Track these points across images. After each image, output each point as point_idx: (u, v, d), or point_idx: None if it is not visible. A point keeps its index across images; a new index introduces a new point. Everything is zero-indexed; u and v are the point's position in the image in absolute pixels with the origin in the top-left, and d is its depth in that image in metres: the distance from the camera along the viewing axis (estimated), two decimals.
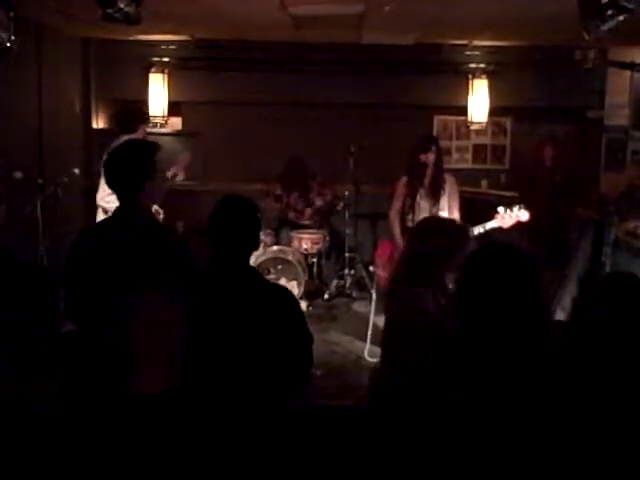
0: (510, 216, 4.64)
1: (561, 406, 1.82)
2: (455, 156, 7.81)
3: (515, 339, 1.90)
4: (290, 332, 2.49)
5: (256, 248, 2.62)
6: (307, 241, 6.59)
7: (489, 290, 1.96)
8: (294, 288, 6.16)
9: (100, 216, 4.92)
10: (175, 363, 1.87)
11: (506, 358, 1.89)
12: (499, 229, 4.71)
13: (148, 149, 2.91)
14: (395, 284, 2.95)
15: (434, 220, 3.55)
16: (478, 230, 4.72)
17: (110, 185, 2.81)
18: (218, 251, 2.51)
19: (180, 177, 5.43)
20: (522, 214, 4.65)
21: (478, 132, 7.74)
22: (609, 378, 1.85)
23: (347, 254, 6.80)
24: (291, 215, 6.89)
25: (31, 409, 1.75)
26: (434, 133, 7.60)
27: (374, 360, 4.72)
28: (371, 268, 5.52)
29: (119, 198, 2.79)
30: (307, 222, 6.85)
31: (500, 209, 4.66)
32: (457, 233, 3.00)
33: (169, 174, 5.30)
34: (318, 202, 6.85)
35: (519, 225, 4.71)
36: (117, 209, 2.81)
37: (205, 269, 2.57)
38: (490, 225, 4.67)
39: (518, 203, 4.74)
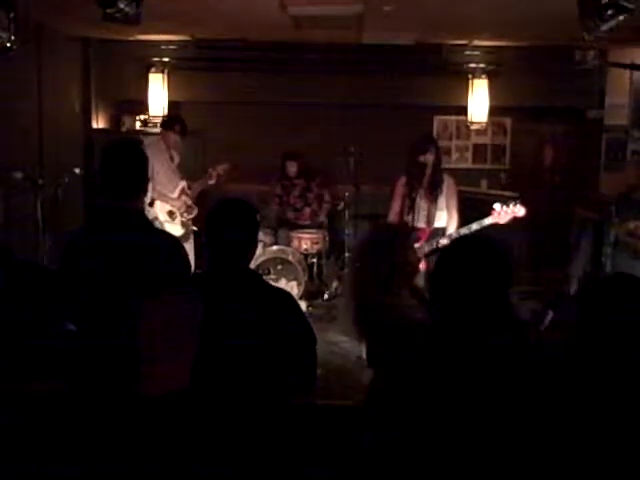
0: (506, 212, 4.65)
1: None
2: (455, 156, 7.81)
3: (478, 332, 1.92)
4: (292, 334, 2.48)
5: (254, 250, 2.61)
6: (307, 241, 6.59)
7: (458, 282, 1.97)
8: (294, 288, 6.16)
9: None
10: (184, 364, 1.87)
11: (471, 351, 1.91)
12: (496, 225, 4.72)
13: (142, 150, 2.88)
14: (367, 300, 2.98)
15: (367, 237, 3.38)
16: (475, 227, 4.73)
17: (106, 187, 2.74)
18: (216, 254, 2.49)
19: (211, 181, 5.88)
20: (518, 209, 4.67)
21: (478, 132, 7.74)
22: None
23: (347, 254, 6.80)
24: (290, 215, 6.90)
25: (32, 409, 1.75)
26: (434, 133, 7.61)
27: None
28: None
29: (113, 199, 2.73)
30: (306, 222, 6.86)
31: (496, 205, 4.68)
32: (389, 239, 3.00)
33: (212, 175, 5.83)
34: (323, 212, 6.94)
35: (515, 220, 4.72)
36: (108, 210, 2.76)
37: (203, 272, 2.55)
38: (487, 221, 4.68)
39: (513, 200, 4.76)
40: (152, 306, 1.87)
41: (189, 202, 5.79)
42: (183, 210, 5.73)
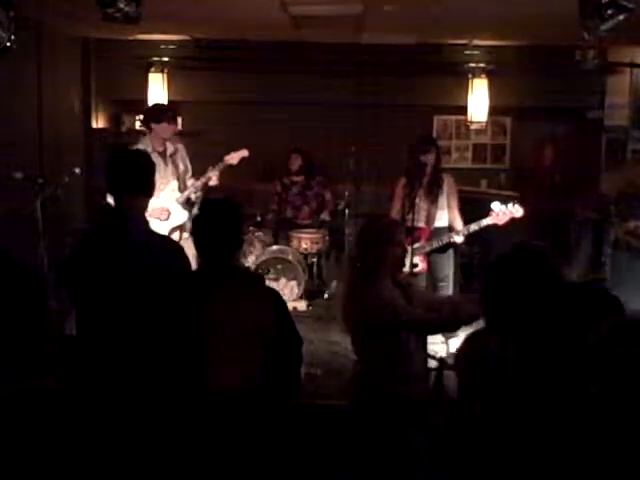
0: (504, 213, 4.69)
1: None
2: (455, 156, 7.81)
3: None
4: (277, 333, 2.48)
5: (241, 247, 2.64)
6: (307, 241, 6.59)
7: (510, 292, 2.11)
8: (294, 288, 6.16)
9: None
10: (252, 362, 1.89)
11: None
12: (495, 225, 4.74)
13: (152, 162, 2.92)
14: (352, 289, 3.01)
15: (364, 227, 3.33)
16: (473, 228, 4.76)
17: (113, 189, 2.76)
18: (202, 252, 2.53)
19: (213, 182, 5.25)
20: (516, 210, 4.70)
21: (478, 132, 7.74)
22: None
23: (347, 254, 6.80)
24: (289, 213, 6.90)
25: (30, 408, 1.76)
26: (434, 133, 7.62)
27: None
28: None
29: (116, 202, 2.76)
30: (306, 222, 6.86)
31: (494, 206, 4.70)
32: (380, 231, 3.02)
33: (204, 178, 5.21)
34: (324, 216, 6.90)
35: (513, 221, 4.74)
36: (111, 215, 2.79)
37: (192, 271, 2.62)
38: (485, 222, 4.71)
39: (512, 199, 4.78)
40: (221, 305, 1.87)
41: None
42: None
